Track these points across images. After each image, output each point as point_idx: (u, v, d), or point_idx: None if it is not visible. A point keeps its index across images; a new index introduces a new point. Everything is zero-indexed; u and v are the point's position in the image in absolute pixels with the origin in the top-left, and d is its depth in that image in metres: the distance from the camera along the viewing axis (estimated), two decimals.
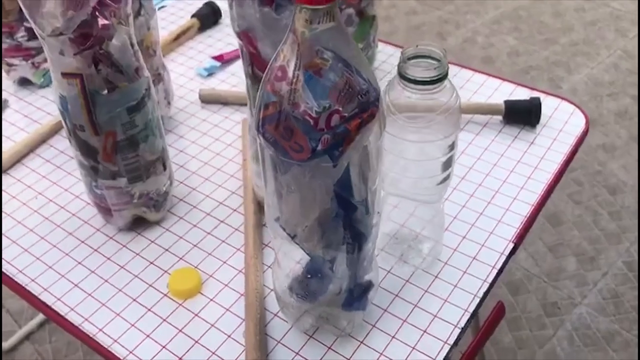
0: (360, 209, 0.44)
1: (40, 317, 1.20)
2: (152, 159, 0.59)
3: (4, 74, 0.83)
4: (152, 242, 0.62)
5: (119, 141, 0.55)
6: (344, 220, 0.44)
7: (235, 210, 0.65)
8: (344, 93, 0.39)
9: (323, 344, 0.53)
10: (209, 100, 0.79)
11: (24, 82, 0.83)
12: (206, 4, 0.94)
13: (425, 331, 0.53)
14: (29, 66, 0.80)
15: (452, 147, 0.51)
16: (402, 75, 0.48)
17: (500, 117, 0.74)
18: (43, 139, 0.74)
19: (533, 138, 0.72)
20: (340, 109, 0.39)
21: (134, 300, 0.57)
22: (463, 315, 0.54)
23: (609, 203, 1.51)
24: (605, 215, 1.47)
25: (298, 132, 0.39)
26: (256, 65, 0.53)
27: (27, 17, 0.51)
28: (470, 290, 0.56)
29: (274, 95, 0.40)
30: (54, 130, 0.75)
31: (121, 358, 0.52)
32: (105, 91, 0.52)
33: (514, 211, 0.63)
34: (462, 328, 0.53)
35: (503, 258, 0.59)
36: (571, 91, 1.93)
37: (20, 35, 0.78)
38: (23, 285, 0.58)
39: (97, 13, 0.49)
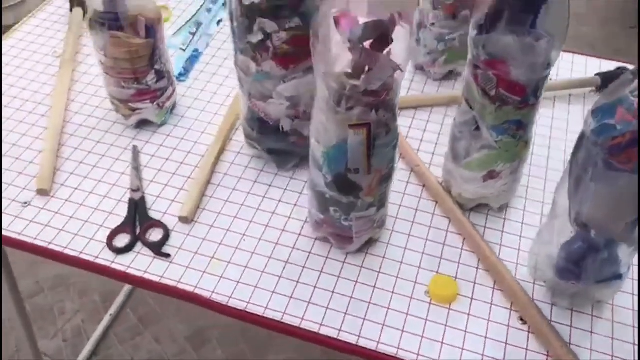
0: None
1: None
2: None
3: (121, 118, 0.80)
4: (383, 257, 0.67)
5: (383, 176, 0.59)
6: None
7: (433, 214, 0.71)
8: None
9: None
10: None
11: (140, 124, 0.80)
12: None
13: None
14: (154, 107, 0.78)
15: None
16: None
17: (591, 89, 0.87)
18: (207, 180, 0.74)
19: None
20: None
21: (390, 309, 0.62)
22: None
23: None
24: None
25: None
26: (502, 86, 0.59)
27: (320, 74, 0.53)
28: None
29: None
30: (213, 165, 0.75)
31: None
32: (384, 134, 0.56)
33: None
34: None
35: None
36: None
37: (150, 78, 0.75)
38: (270, 317, 0.62)
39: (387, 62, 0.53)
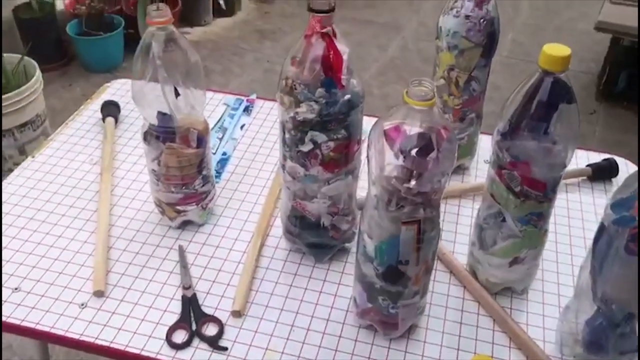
0: None
1: None
2: None
3: (164, 220, 0.86)
4: (424, 342, 0.73)
5: (428, 266, 0.67)
6: None
7: (463, 298, 0.78)
8: None
9: None
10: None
11: (182, 225, 0.86)
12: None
13: None
14: (199, 209, 0.84)
15: None
16: None
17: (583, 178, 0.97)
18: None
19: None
20: None
21: None
22: None
23: None
24: None
25: None
26: (525, 184, 0.68)
27: (373, 177, 0.61)
28: None
29: None
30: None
31: None
32: (431, 228, 0.64)
33: None
34: None
35: None
36: None
37: (197, 183, 0.82)
38: None
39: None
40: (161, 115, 0.78)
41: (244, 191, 0.94)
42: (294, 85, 0.69)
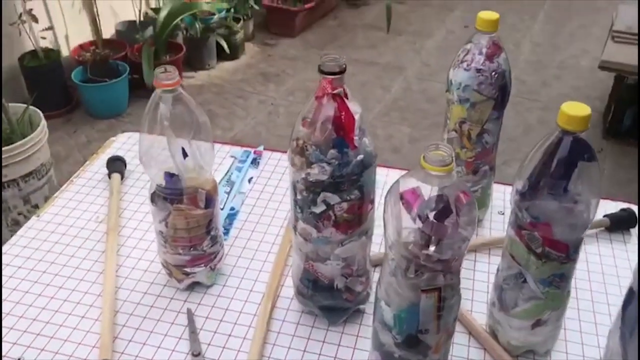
0: None
1: None
2: None
3: (172, 282, 0.83)
4: None
5: (449, 333, 0.64)
6: None
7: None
8: None
9: None
10: None
11: (190, 286, 0.84)
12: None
13: None
14: (207, 270, 0.82)
15: None
16: None
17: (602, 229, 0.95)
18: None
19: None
20: None
21: None
22: None
23: None
24: None
25: None
26: (547, 245, 0.65)
27: (390, 243, 0.58)
28: None
29: None
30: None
31: None
32: (451, 296, 0.61)
33: None
34: None
35: None
36: None
37: (206, 244, 0.80)
38: None
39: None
40: (169, 176, 0.76)
41: (252, 248, 0.91)
42: (305, 146, 0.67)
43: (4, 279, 0.85)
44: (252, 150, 1.12)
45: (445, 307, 0.61)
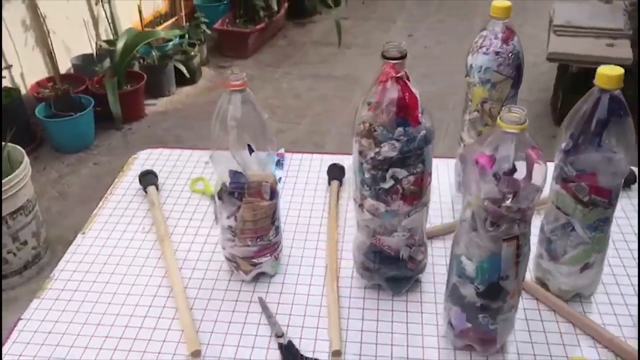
0: None
1: None
2: None
3: (235, 275, 0.88)
4: (518, 353, 0.77)
5: (523, 279, 0.71)
6: None
7: (538, 309, 0.83)
8: None
9: None
10: None
11: (255, 278, 0.88)
12: None
13: None
14: (272, 260, 0.87)
15: None
16: None
17: None
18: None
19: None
20: None
21: None
22: None
23: None
24: None
25: None
26: (593, 192, 0.74)
27: (468, 202, 0.66)
28: None
29: None
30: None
31: None
32: (525, 242, 0.69)
33: None
34: None
35: None
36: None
37: (271, 234, 0.85)
38: None
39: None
40: (233, 172, 0.81)
41: (301, 239, 0.97)
42: (373, 127, 0.74)
43: (73, 297, 0.87)
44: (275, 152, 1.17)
45: (522, 253, 0.69)
